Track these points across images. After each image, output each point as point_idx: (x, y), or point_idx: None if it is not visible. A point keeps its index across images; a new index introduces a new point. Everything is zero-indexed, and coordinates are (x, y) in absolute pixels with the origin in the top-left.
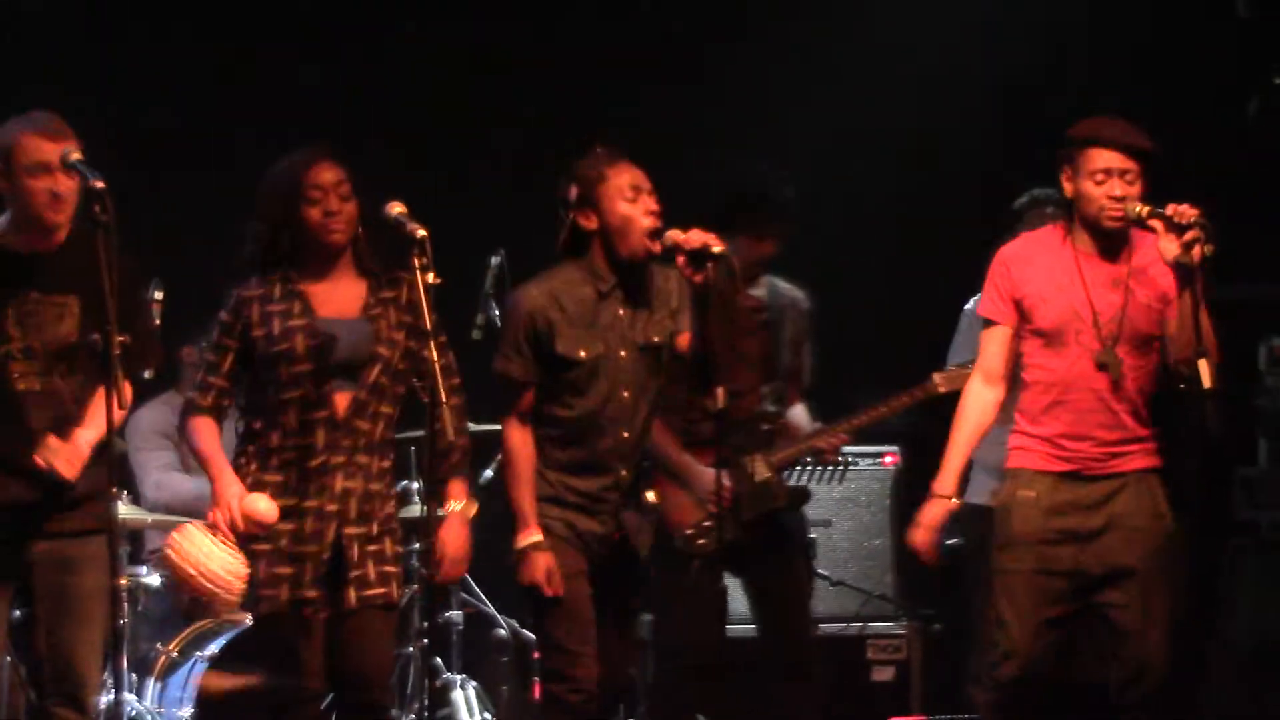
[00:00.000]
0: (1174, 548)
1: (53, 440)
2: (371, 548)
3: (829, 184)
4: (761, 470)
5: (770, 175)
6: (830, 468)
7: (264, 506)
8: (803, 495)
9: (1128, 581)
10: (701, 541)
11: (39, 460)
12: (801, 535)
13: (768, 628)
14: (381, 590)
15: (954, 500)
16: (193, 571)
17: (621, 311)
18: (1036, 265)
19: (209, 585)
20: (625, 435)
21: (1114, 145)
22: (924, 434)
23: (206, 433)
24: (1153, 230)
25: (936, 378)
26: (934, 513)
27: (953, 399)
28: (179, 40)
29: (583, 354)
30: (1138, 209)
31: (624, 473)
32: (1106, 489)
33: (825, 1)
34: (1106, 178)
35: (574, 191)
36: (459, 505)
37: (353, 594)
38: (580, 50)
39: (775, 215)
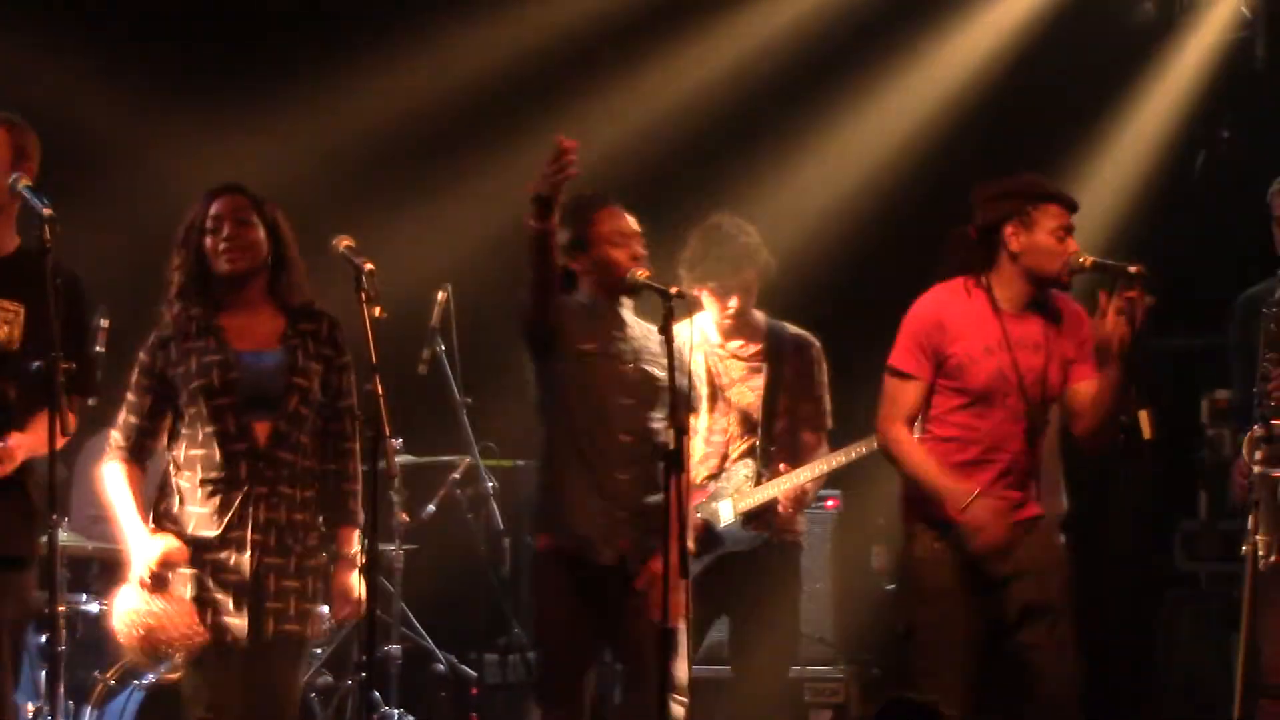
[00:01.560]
0: (1071, 587)
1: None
2: (291, 583)
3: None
4: (727, 515)
5: (729, 224)
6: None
7: (174, 551)
8: (780, 542)
9: (1040, 621)
10: None
11: None
12: (786, 583)
13: (737, 660)
14: (297, 627)
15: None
16: (142, 633)
17: (616, 332)
18: (963, 323)
19: (164, 640)
20: (625, 439)
21: (1067, 203)
22: (865, 479)
23: (119, 481)
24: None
25: None
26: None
27: None
28: (124, 64)
29: (587, 346)
30: (1082, 259)
31: (625, 477)
32: (1012, 537)
33: None
34: (1065, 234)
35: (565, 236)
36: (353, 550)
37: (271, 625)
38: (531, 85)
39: (733, 261)
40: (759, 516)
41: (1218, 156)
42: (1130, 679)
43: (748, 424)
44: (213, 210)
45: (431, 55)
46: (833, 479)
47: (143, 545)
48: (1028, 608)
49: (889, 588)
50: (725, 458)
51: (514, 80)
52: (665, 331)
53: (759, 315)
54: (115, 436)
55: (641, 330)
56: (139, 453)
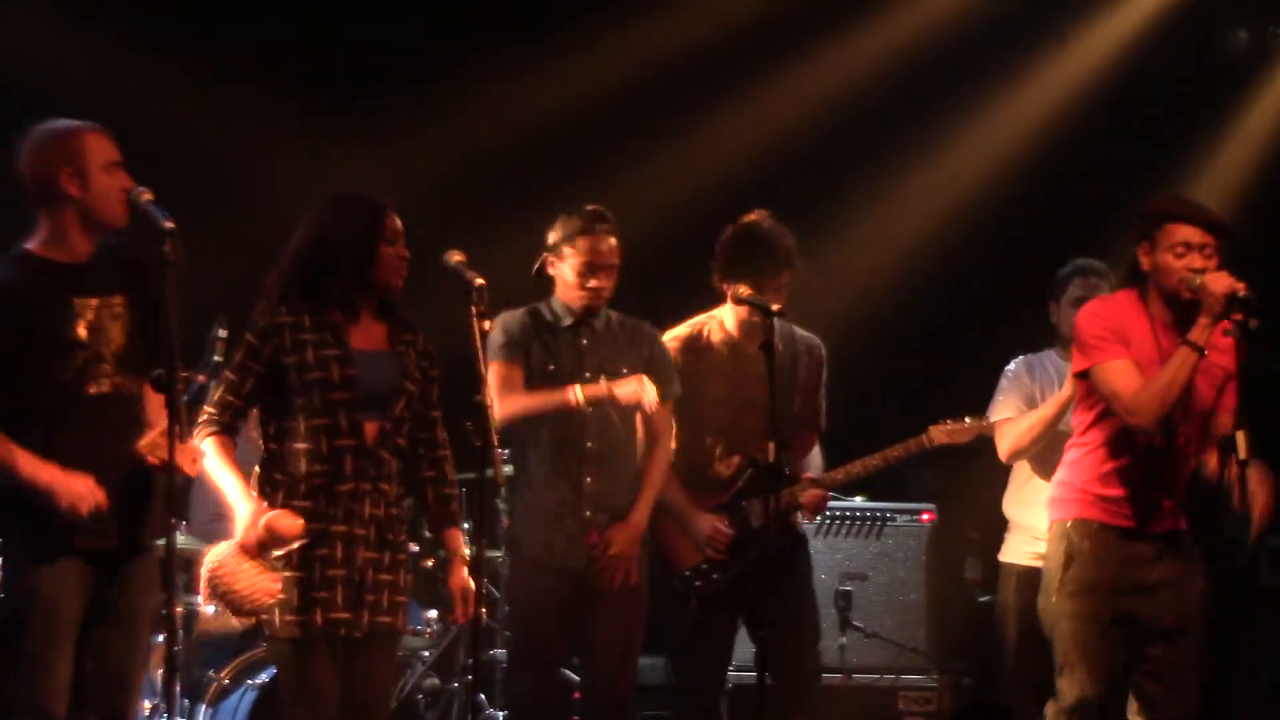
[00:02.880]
0: (1205, 606)
1: (162, 439)
2: (386, 576)
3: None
4: (758, 516)
5: (770, 226)
6: (866, 522)
7: (286, 523)
8: (796, 537)
9: (1175, 639)
10: (698, 584)
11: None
12: (804, 575)
13: (768, 661)
14: (389, 619)
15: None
16: (224, 590)
17: (585, 341)
18: (1132, 333)
19: (241, 602)
20: (590, 446)
21: (1193, 220)
22: (958, 493)
23: (218, 454)
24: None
25: (933, 431)
26: None
27: (992, 459)
28: (242, 80)
29: (550, 367)
30: (1197, 281)
31: (592, 481)
32: (1157, 547)
33: None
34: (1186, 251)
35: (551, 238)
36: (463, 549)
37: (366, 617)
38: (634, 106)
39: (774, 262)
40: (782, 515)
41: None
42: (1216, 695)
43: (767, 422)
44: (392, 224)
45: (543, 74)
46: (928, 493)
47: (252, 510)
48: (1164, 622)
49: (982, 599)
50: (745, 456)
51: (621, 100)
52: (766, 349)
53: None
54: (209, 411)
55: (610, 337)
56: (230, 430)
